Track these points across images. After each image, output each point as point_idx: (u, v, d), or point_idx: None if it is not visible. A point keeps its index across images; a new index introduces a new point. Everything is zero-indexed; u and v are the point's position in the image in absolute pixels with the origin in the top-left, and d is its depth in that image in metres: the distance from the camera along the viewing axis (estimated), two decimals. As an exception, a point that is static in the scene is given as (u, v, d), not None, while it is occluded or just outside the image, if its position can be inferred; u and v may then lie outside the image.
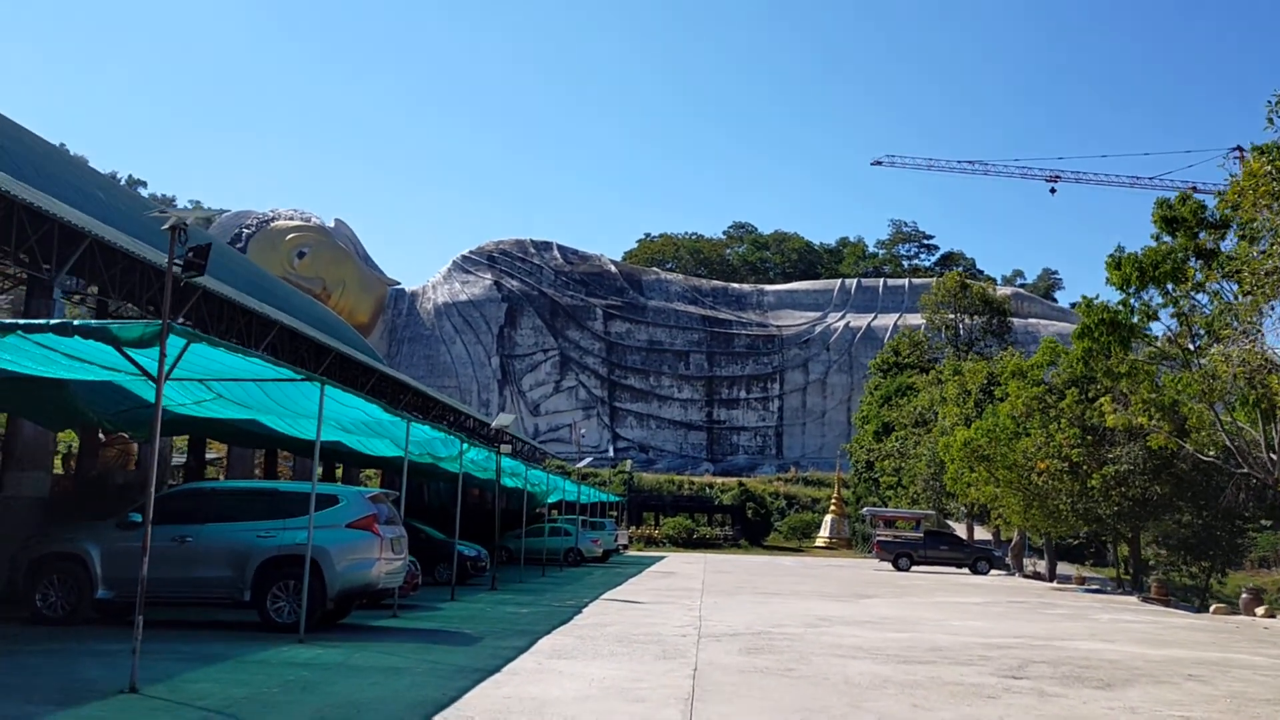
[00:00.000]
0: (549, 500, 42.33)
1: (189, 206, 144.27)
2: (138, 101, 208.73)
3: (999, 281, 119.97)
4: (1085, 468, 32.27)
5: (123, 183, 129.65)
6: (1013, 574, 45.94)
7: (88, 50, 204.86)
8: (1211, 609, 27.54)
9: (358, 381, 30.04)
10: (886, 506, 57.10)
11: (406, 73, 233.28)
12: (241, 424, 16.12)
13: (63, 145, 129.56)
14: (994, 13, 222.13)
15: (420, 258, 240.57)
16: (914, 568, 44.83)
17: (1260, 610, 24.98)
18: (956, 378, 51.03)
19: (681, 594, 23.98)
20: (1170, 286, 25.37)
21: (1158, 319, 26.42)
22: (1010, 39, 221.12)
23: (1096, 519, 33.93)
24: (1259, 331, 21.86)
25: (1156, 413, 28.28)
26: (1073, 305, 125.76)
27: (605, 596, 22.17)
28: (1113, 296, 26.35)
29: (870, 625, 17.42)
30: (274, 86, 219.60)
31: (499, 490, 24.74)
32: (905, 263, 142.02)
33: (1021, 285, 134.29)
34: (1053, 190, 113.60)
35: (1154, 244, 25.46)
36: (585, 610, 18.35)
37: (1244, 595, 26.79)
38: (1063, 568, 48.03)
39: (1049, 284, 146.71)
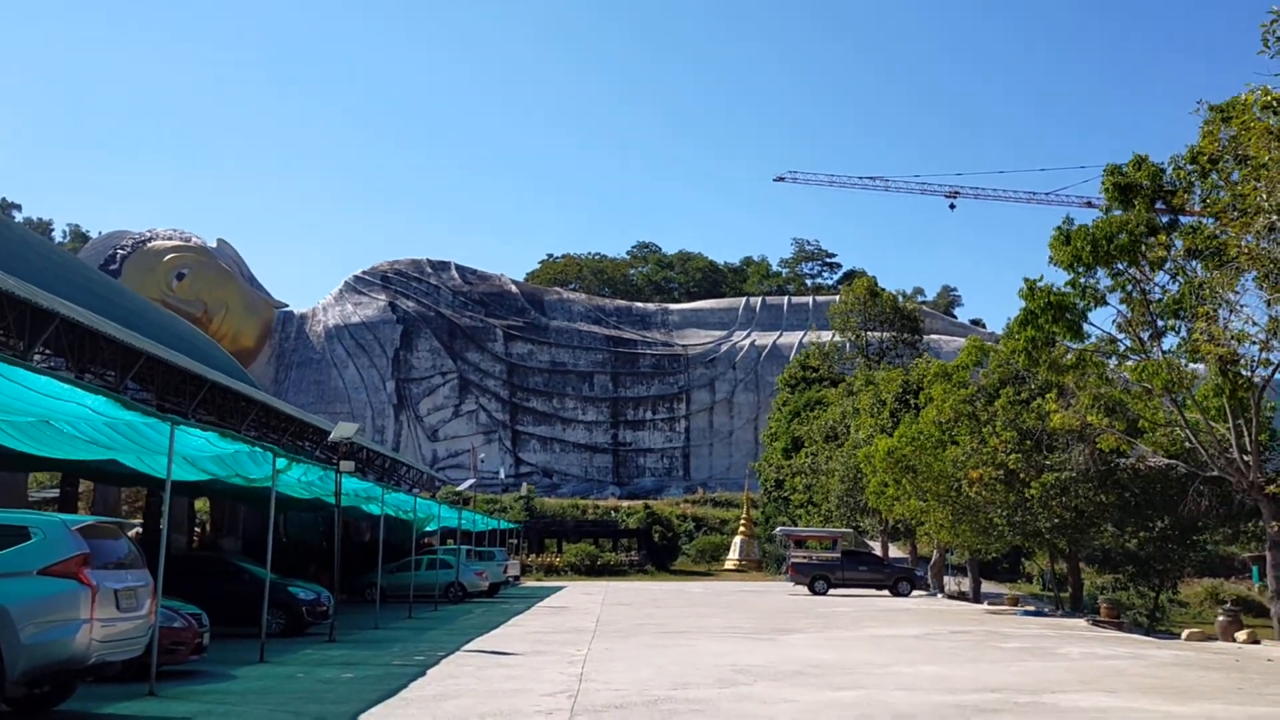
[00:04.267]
0: (429, 528, 37.85)
1: (66, 230, 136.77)
2: (8, 122, 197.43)
3: (899, 299, 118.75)
4: (1022, 476, 29.02)
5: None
6: (934, 594, 42.78)
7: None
8: (1184, 634, 24.29)
9: (180, 390, 25.29)
10: (798, 526, 53.63)
11: (292, 81, 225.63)
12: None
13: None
14: (891, 28, 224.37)
15: (310, 279, 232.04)
16: (831, 590, 41.34)
17: (1241, 636, 21.65)
18: (870, 388, 47.89)
19: (568, 637, 19.79)
20: (1122, 266, 22.21)
21: (1106, 303, 23.22)
22: (907, 52, 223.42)
23: (1035, 533, 30.71)
24: (1239, 308, 18.75)
25: (1102, 413, 25.08)
26: (973, 321, 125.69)
27: (470, 646, 17.82)
28: (1057, 279, 23.14)
29: (802, 679, 13.46)
30: (151, 101, 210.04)
31: (339, 517, 20.27)
32: (809, 281, 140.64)
33: (922, 302, 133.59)
34: (952, 206, 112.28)
35: (1104, 217, 22.27)
36: (431, 671, 14.02)
37: (1221, 618, 23.52)
38: (985, 586, 45.10)
39: (949, 300, 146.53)
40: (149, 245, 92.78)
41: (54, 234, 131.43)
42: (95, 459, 14.73)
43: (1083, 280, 22.50)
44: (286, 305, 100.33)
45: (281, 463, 15.89)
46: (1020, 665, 15.63)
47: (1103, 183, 22.51)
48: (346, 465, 19.23)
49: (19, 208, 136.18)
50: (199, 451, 14.52)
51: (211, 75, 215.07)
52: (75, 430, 12.33)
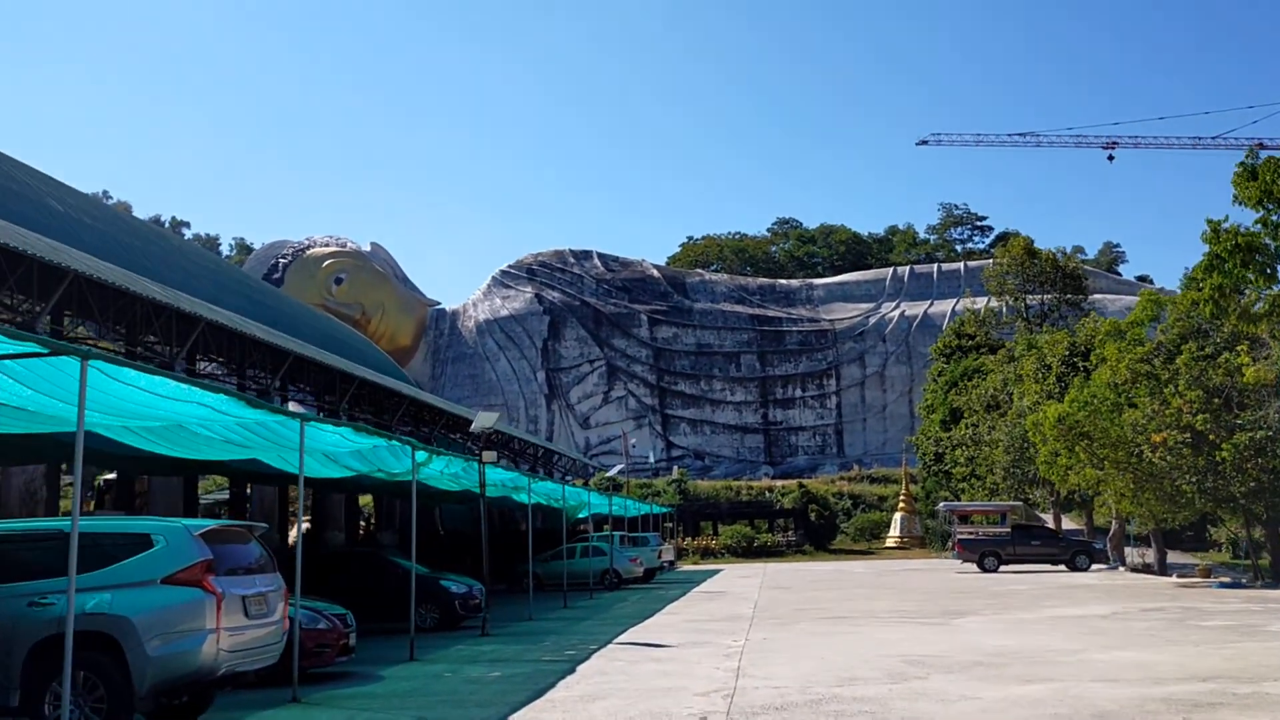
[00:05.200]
0: (580, 515, 37.62)
1: (232, 243, 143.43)
2: (177, 144, 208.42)
3: (1059, 258, 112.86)
4: (1212, 438, 26.66)
5: (166, 225, 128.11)
6: (1115, 568, 40.22)
7: (130, 102, 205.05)
8: None
9: (333, 389, 25.53)
10: (960, 500, 51.43)
11: (435, 90, 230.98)
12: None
13: (105, 192, 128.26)
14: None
15: (459, 276, 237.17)
16: (1002, 567, 39.31)
17: None
18: (1033, 352, 45.39)
19: (724, 625, 18.97)
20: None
21: (1301, 242, 20.85)
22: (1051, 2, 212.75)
23: (1228, 498, 28.26)
24: None
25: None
26: (1139, 278, 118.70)
27: (623, 638, 17.17)
28: (1244, 220, 20.89)
29: (983, 670, 12.24)
30: (303, 113, 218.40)
31: (484, 507, 19.96)
32: (958, 247, 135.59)
33: (1083, 260, 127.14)
34: (1110, 158, 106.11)
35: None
36: (581, 668, 13.38)
37: None
38: (1170, 557, 42.13)
39: (1112, 258, 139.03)
40: (308, 253, 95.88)
41: (221, 248, 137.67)
42: (235, 459, 14.62)
43: (1273, 218, 20.27)
44: (439, 303, 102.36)
45: (421, 455, 15.52)
46: (1231, 648, 13.99)
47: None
48: (489, 455, 18.82)
49: (188, 225, 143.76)
50: (336, 447, 14.23)
51: (358, 89, 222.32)
52: (210, 431, 12.12)
